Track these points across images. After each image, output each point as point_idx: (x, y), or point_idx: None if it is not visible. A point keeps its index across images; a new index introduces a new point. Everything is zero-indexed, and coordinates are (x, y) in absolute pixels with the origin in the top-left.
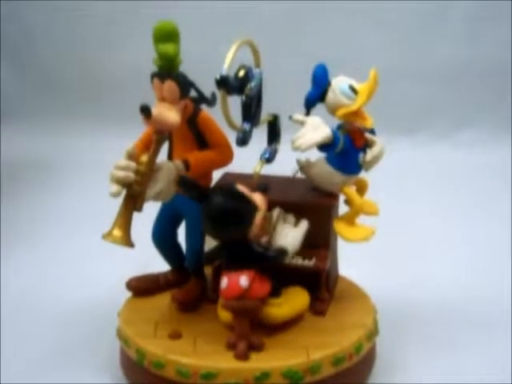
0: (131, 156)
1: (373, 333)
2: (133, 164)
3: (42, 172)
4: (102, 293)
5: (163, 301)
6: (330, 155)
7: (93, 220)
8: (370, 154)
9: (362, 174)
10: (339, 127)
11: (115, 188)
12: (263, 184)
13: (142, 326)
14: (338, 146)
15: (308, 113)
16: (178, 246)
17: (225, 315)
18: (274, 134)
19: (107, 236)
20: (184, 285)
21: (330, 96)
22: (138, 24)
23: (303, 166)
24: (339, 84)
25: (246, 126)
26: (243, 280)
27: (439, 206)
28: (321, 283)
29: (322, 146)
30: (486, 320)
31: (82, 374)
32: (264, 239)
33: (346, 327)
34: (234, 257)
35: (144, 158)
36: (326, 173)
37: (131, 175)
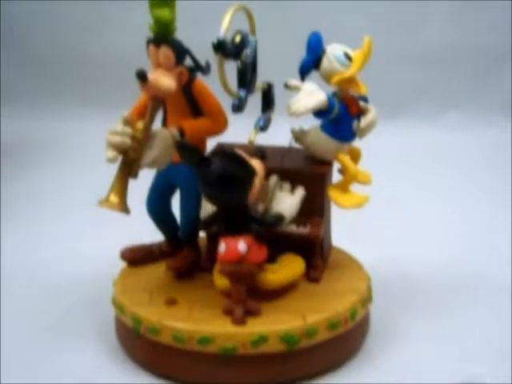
0: (127, 122)
1: (367, 299)
2: (129, 130)
3: (29, 152)
4: (96, 266)
5: (158, 270)
6: (324, 123)
7: (83, 197)
8: (363, 121)
9: (356, 143)
10: (334, 94)
11: (111, 153)
12: (260, 151)
13: (138, 294)
14: (333, 112)
15: (303, 80)
16: (172, 216)
17: (221, 282)
18: (267, 103)
19: (104, 202)
20: (178, 254)
21: (324, 63)
22: (126, 6)
23: (297, 134)
24: (334, 51)
25: (242, 93)
26: (241, 245)
27: (427, 185)
28: (315, 250)
29: (317, 112)
30: (476, 291)
31: (77, 345)
32: (261, 206)
33: (340, 293)
34: (232, 222)
35: (139, 124)
36: (321, 140)
37: (127, 141)
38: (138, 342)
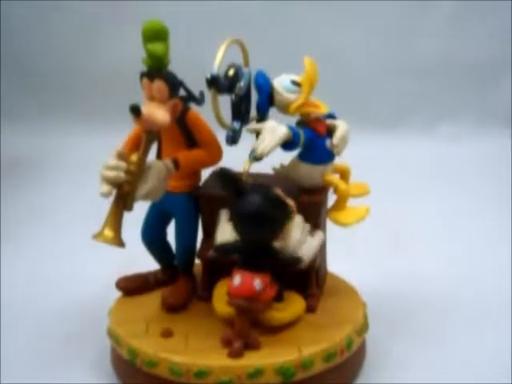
0: (121, 156)
1: (363, 328)
2: (123, 164)
3: (29, 170)
4: (91, 291)
5: (153, 300)
6: (300, 152)
7: (81, 218)
8: (335, 138)
9: (340, 160)
10: (298, 123)
11: (105, 188)
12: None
13: (133, 325)
14: (300, 141)
15: (264, 120)
16: (167, 244)
17: (222, 309)
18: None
19: (98, 236)
20: (173, 284)
21: (276, 97)
22: (124, 20)
23: (279, 170)
24: (281, 83)
25: (236, 125)
26: (257, 283)
27: (424, 200)
28: (311, 279)
29: (285, 145)
30: (477, 314)
31: (72, 373)
32: (278, 243)
33: (336, 323)
34: (253, 258)
35: (134, 157)
36: (303, 169)
37: (121, 175)
38: (134, 375)
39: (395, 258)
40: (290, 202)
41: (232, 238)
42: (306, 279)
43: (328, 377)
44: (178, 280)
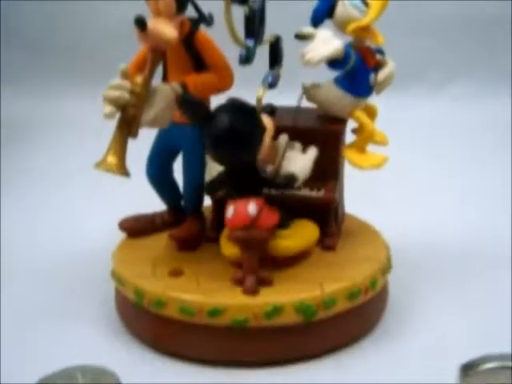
0: (125, 75)
1: (386, 267)
2: (127, 83)
3: (28, 131)
4: (92, 240)
5: (160, 241)
6: (338, 76)
7: (78, 174)
8: (381, 74)
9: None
10: (349, 45)
11: (108, 109)
12: (270, 106)
13: (139, 265)
14: (349, 63)
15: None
16: (174, 182)
17: (230, 251)
18: (276, 57)
19: (101, 164)
20: (182, 224)
21: (339, 9)
22: None
23: (309, 89)
24: None
25: (250, 43)
26: (251, 207)
27: (437, 156)
28: (330, 216)
29: (332, 63)
30: (493, 257)
31: (76, 324)
32: (270, 168)
33: (358, 261)
34: (241, 184)
35: (139, 79)
36: (335, 95)
37: (125, 95)
38: (140, 317)
39: (412, 208)
40: (263, 118)
41: (218, 173)
42: (324, 217)
43: (350, 318)
44: (187, 220)
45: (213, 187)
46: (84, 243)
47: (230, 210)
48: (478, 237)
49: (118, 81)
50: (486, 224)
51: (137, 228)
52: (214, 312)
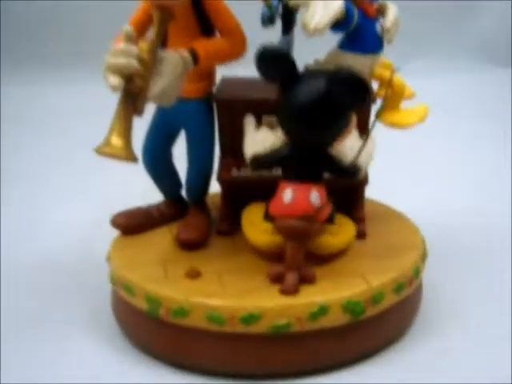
0: (130, 39)
1: (425, 254)
2: (134, 48)
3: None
4: (77, 237)
5: (161, 237)
6: (342, 40)
7: (63, 168)
8: (387, 21)
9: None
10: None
11: (114, 79)
12: None
13: (147, 268)
14: (354, 20)
15: None
16: (174, 169)
17: (262, 239)
18: (289, 23)
19: (104, 147)
20: (185, 220)
21: None
22: None
23: (315, 68)
24: None
25: (274, 1)
26: (314, 196)
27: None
28: (359, 199)
29: (336, 25)
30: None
31: (72, 342)
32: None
33: (397, 249)
34: (306, 167)
35: (144, 44)
36: (347, 62)
37: (133, 62)
38: (156, 329)
39: (434, 190)
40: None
41: (264, 148)
42: (353, 201)
43: (396, 312)
44: (189, 213)
45: (263, 163)
46: (55, 240)
47: (288, 195)
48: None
49: (123, 46)
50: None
51: (132, 224)
52: (249, 318)
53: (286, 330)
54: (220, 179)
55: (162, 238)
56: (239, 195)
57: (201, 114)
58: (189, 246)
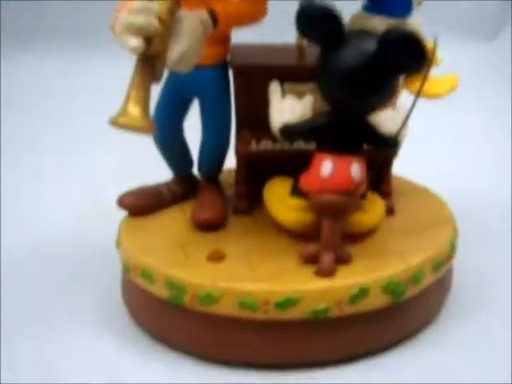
0: None
1: (457, 229)
2: (154, 5)
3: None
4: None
5: (174, 218)
6: (368, 3)
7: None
8: None
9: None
10: None
11: (135, 40)
12: None
13: (165, 251)
14: None
15: None
16: (185, 144)
17: (291, 217)
18: None
19: (120, 117)
20: (199, 199)
21: None
22: None
23: None
24: None
25: None
26: (355, 169)
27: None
28: (388, 172)
29: None
30: None
31: (84, 336)
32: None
33: (430, 225)
34: (345, 136)
35: (162, 2)
36: (373, 25)
37: (153, 21)
38: (178, 319)
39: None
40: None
41: (293, 118)
42: (381, 174)
43: (433, 293)
44: (202, 192)
45: (294, 133)
46: (47, 226)
47: (328, 167)
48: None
49: (141, 3)
50: None
51: (142, 204)
52: (286, 303)
53: (324, 315)
54: (238, 153)
55: (176, 219)
56: (258, 170)
57: (216, 82)
58: (207, 226)
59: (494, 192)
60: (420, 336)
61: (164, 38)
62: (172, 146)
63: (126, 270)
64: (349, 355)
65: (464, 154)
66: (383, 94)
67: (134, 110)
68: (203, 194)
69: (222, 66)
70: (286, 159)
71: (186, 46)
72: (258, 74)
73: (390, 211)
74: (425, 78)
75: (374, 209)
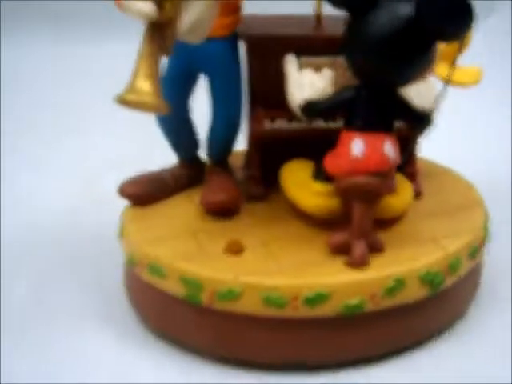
0: None
1: (487, 212)
2: None
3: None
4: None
5: (181, 206)
6: None
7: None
8: None
9: None
10: None
11: (148, 6)
12: None
13: (176, 242)
14: None
15: None
16: (192, 123)
17: (315, 203)
18: None
19: (129, 93)
20: (208, 183)
21: None
22: None
23: None
24: None
25: None
26: (388, 147)
27: None
28: (414, 153)
29: None
30: None
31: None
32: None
33: (459, 208)
34: (375, 112)
35: None
36: None
37: None
38: (194, 318)
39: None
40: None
41: (314, 93)
42: (407, 155)
43: (468, 282)
44: (210, 176)
45: (318, 109)
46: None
47: (359, 145)
48: None
49: None
50: None
51: (145, 192)
52: (316, 298)
53: (357, 311)
54: (251, 133)
55: (183, 207)
56: (272, 152)
57: (227, 55)
58: (219, 211)
59: None
60: (455, 328)
61: (176, 3)
62: (177, 127)
63: (131, 263)
64: (382, 352)
65: (481, 135)
66: (420, 64)
67: (144, 85)
68: (212, 177)
69: (233, 38)
70: (303, 140)
71: (198, 14)
72: (272, 46)
73: (417, 194)
74: (461, 47)
75: (402, 191)
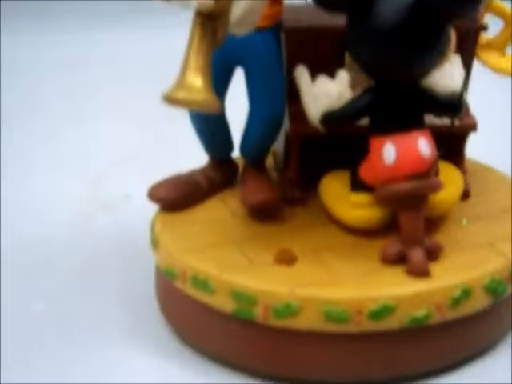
0: None
1: None
2: None
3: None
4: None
5: (217, 211)
6: None
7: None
8: None
9: None
10: None
11: None
12: None
13: (220, 253)
14: None
15: None
16: (226, 120)
17: (357, 215)
18: None
19: (179, 90)
20: (244, 185)
21: None
22: None
23: None
24: None
25: None
26: (423, 144)
27: None
28: (464, 150)
29: None
30: None
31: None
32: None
33: (509, 210)
34: (399, 110)
35: None
36: None
37: None
38: (246, 335)
39: None
40: None
41: (331, 102)
42: (457, 151)
43: None
44: (245, 178)
45: (338, 120)
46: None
47: (390, 152)
48: None
49: None
50: None
51: (178, 196)
52: (382, 311)
53: (424, 323)
54: (291, 133)
55: (219, 212)
56: (314, 153)
57: (269, 47)
58: (263, 209)
59: None
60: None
61: None
62: (212, 124)
63: (170, 275)
64: (445, 365)
65: None
66: (435, 49)
67: (196, 80)
68: (249, 178)
69: (275, 30)
70: (347, 141)
71: (248, 5)
72: (314, 38)
73: (465, 195)
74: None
75: (450, 186)
